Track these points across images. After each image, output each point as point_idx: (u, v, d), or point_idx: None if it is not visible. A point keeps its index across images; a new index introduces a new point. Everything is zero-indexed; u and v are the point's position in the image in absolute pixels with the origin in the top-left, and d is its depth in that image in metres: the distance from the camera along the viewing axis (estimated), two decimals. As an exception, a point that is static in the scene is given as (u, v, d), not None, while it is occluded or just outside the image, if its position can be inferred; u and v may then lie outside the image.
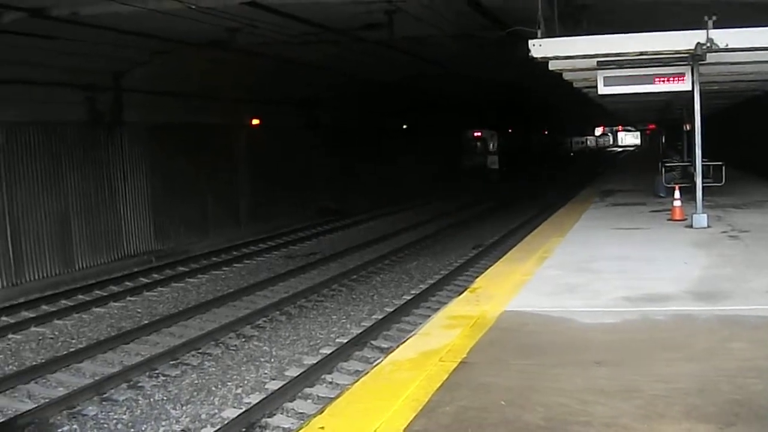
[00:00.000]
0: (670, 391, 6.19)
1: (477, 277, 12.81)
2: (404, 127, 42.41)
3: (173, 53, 21.03)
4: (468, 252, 23.28)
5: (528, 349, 7.51)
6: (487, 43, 21.54)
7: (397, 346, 7.87)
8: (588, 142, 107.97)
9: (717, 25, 13.40)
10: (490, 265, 13.43)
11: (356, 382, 6.82)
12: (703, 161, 16.29)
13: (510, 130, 59.18)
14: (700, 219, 15.53)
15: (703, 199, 15.95)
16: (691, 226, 15.52)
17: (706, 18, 13.39)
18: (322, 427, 5.71)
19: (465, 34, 20.16)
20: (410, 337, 8.24)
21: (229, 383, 11.93)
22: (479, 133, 52.93)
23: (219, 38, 19.38)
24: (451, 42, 21.42)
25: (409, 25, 18.65)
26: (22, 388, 12.02)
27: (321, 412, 6.12)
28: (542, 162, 67.07)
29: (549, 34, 14.21)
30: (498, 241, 24.84)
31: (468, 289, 10.68)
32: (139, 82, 22.22)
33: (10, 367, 13.29)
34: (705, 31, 13.41)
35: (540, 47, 13.82)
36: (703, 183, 16.09)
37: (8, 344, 14.75)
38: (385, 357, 7.55)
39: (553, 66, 15.14)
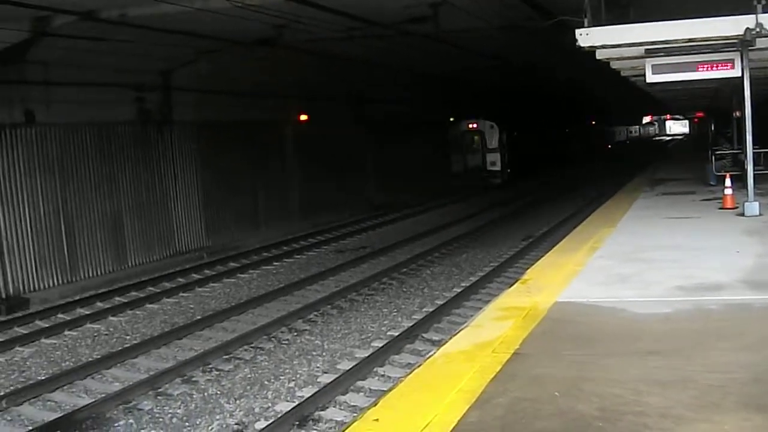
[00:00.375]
0: (725, 380, 6.14)
1: (528, 268, 12.76)
2: (452, 119, 42.24)
3: (221, 52, 21.20)
4: (518, 243, 23.21)
5: (581, 340, 7.50)
6: (533, 34, 21.46)
7: (450, 339, 7.90)
8: (631, 132, 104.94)
9: (766, 9, 13.23)
10: (541, 256, 13.41)
11: (409, 374, 6.85)
12: (753, 148, 16.09)
13: (520, 121, 47.45)
14: (752, 207, 15.35)
15: (754, 187, 15.76)
16: (742, 215, 15.36)
17: (755, 2, 13.23)
18: (377, 420, 5.75)
19: (511, 25, 20.08)
20: (462, 329, 8.26)
21: (281, 377, 12.01)
22: (474, 125, 41.58)
23: (266, 36, 19.50)
24: (497, 33, 21.34)
25: (454, 18, 18.60)
26: (79, 384, 12.23)
27: (375, 404, 6.16)
28: (569, 159, 58.52)
29: (595, 23, 14.13)
30: (548, 231, 24.71)
31: (519, 281, 10.67)
32: (187, 80, 22.46)
33: (67, 363, 13.52)
34: (754, 15, 13.24)
35: (587, 36, 13.75)
36: (754, 170, 15.90)
37: (65, 341, 15.02)
38: (437, 349, 7.58)
39: (600, 55, 15.04)
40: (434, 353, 7.41)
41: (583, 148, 68.00)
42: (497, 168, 41.66)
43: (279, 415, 10.17)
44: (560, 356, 7.03)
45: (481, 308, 11.01)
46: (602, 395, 5.93)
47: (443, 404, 5.92)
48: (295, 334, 14.44)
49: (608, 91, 44.37)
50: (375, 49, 23.89)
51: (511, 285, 10.78)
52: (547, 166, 50.98)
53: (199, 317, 16.07)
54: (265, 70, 24.01)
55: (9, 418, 10.97)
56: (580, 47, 13.90)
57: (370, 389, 11.10)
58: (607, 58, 15.68)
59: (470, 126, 41.48)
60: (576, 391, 6.06)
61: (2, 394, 11.74)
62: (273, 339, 14.09)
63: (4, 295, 17.90)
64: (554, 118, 58.84)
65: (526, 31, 21.29)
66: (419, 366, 7.04)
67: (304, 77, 26.55)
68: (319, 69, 26.09)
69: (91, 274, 19.99)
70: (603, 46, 14.30)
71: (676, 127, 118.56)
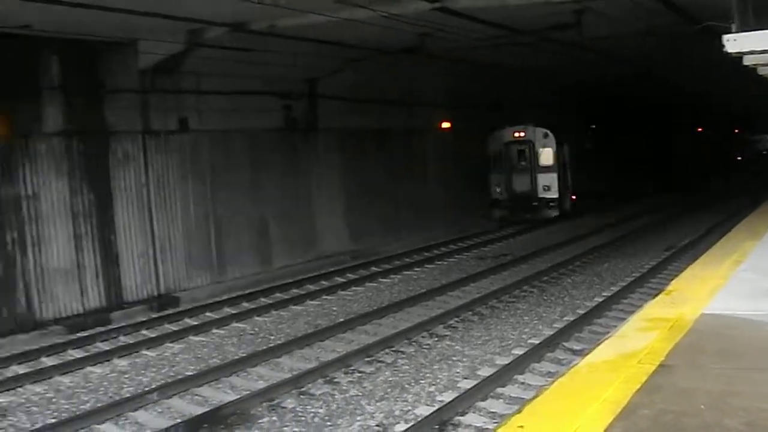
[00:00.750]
0: None
1: (670, 279, 12.56)
2: (593, 126, 41.07)
3: (366, 60, 21.57)
4: (660, 254, 22.70)
5: (727, 353, 7.39)
6: (676, 40, 21.06)
7: (594, 348, 7.89)
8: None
9: None
10: (684, 268, 13.17)
11: (553, 382, 6.89)
12: None
13: (598, 126, 37.98)
14: None
15: None
16: None
17: None
18: (522, 426, 5.80)
19: (655, 31, 19.74)
20: (606, 338, 8.23)
21: (422, 381, 12.07)
22: (521, 133, 30.79)
23: (410, 44, 19.73)
24: (640, 40, 21.01)
25: (597, 25, 18.43)
26: (225, 381, 12.66)
27: (519, 411, 6.22)
28: (674, 178, 47.89)
29: (743, 28, 13.78)
30: (690, 243, 24.10)
31: (663, 292, 10.52)
32: (333, 89, 22.96)
33: (214, 360, 14.05)
34: None
35: (735, 42, 13.40)
36: None
37: (212, 339, 15.64)
38: (581, 358, 7.58)
39: (747, 61, 14.65)
40: (578, 363, 7.42)
41: (703, 163, 56.73)
42: (552, 194, 30.70)
43: (419, 419, 10.21)
44: (706, 369, 6.95)
45: (623, 319, 10.93)
46: (749, 410, 5.85)
47: (587, 414, 5.94)
48: (436, 339, 14.51)
49: (751, 98, 42.27)
50: (517, 56, 23.85)
51: (655, 296, 10.64)
52: (642, 192, 41.61)
53: (341, 320, 16.35)
54: (408, 78, 24.32)
55: (159, 410, 11.45)
56: (728, 53, 13.57)
57: (509, 396, 11.08)
58: (755, 64, 15.25)
59: (515, 135, 31.00)
60: (722, 404, 5.99)
61: (154, 387, 12.31)
62: (414, 343, 14.19)
63: (156, 294, 18.74)
64: (662, 127, 49.23)
65: (669, 38, 20.90)
66: (563, 375, 7.07)
67: (447, 85, 26.73)
68: (462, 76, 26.21)
69: (237, 275, 20.68)
70: (751, 52, 13.92)
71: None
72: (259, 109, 20.92)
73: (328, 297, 19.01)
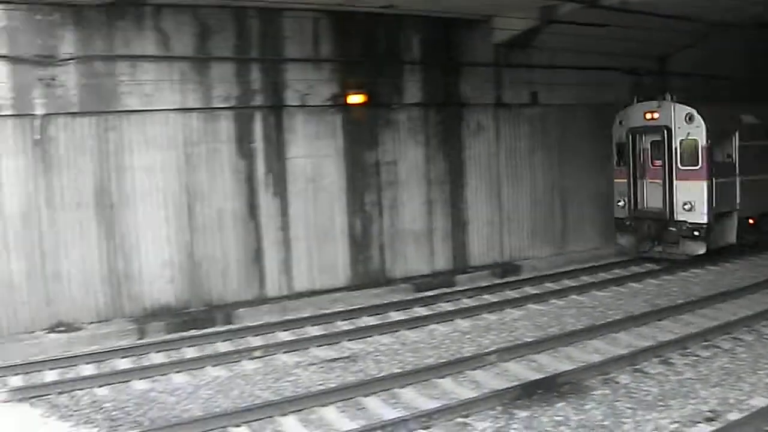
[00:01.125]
0: None
1: None
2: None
3: (714, 35, 20.89)
4: None
5: None
6: None
7: None
8: None
9: None
10: None
11: None
12: None
13: None
14: None
15: None
16: None
17: None
18: None
19: None
20: None
21: (759, 371, 11.66)
22: (655, 114, 19.85)
23: (764, 18, 18.92)
24: None
25: None
26: (562, 350, 12.98)
27: None
28: None
29: None
30: None
31: None
32: (681, 65, 22.40)
33: (552, 329, 14.44)
34: None
35: None
36: None
37: (551, 308, 16.10)
38: None
39: None
40: None
41: None
42: (700, 218, 19.25)
43: (753, 410, 9.96)
44: None
45: None
46: None
47: None
48: (778, 329, 14.00)
49: None
50: None
51: None
52: None
53: (680, 301, 16.09)
54: (757, 53, 23.22)
55: (497, 371, 12.01)
56: None
57: None
58: None
59: (646, 116, 20.10)
60: None
61: (493, 349, 12.90)
62: (754, 332, 13.73)
63: (499, 261, 19.55)
64: None
65: None
66: None
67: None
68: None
69: (578, 248, 21.08)
70: None
71: None
72: (605, 83, 20.90)
73: (669, 277, 18.77)
